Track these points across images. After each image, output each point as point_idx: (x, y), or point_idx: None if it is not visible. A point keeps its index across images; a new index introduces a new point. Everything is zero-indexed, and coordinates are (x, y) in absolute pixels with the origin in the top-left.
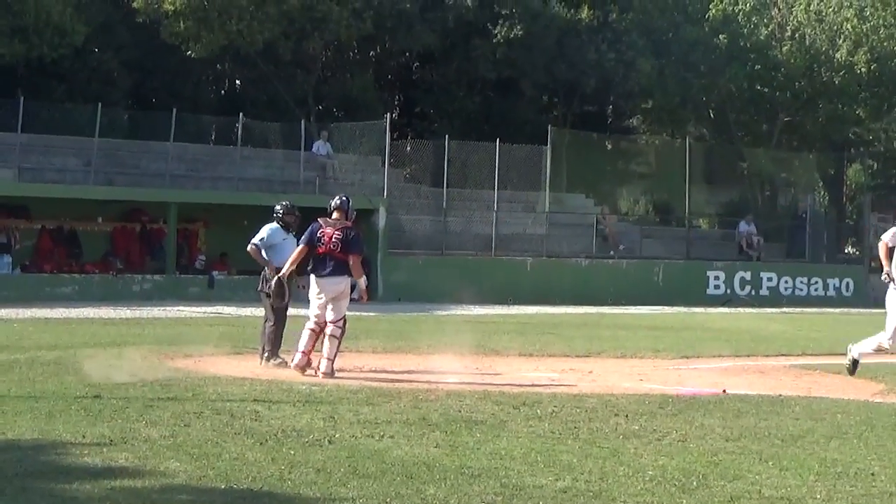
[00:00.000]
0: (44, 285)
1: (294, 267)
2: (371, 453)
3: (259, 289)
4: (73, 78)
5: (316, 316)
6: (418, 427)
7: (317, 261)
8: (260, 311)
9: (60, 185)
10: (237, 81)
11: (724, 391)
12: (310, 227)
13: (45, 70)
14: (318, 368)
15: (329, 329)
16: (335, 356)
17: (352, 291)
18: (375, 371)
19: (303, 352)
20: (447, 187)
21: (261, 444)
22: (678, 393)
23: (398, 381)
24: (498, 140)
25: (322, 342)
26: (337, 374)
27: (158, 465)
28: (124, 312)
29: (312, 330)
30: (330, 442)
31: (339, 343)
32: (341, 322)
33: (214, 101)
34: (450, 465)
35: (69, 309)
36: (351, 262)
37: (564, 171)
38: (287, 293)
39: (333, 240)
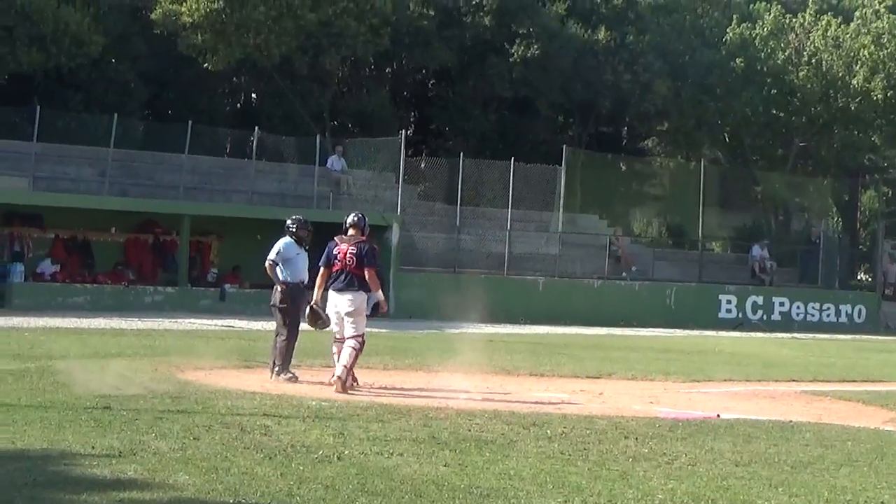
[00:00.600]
0: (56, 295)
1: (321, 292)
2: (380, 471)
3: (272, 303)
4: (89, 88)
5: (338, 333)
6: (428, 445)
7: (333, 277)
8: (271, 325)
9: (74, 194)
10: (253, 95)
11: (718, 416)
12: (326, 248)
13: (62, 79)
14: (334, 373)
15: (349, 341)
16: (352, 365)
17: (371, 308)
18: (386, 388)
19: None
20: (461, 205)
21: (270, 458)
22: (668, 416)
23: (408, 398)
24: (512, 159)
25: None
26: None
27: (167, 478)
28: (136, 324)
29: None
30: (339, 458)
31: (357, 355)
32: (361, 338)
33: (230, 114)
34: (459, 484)
35: (81, 319)
36: (367, 276)
37: (578, 192)
38: (323, 317)
39: (348, 255)
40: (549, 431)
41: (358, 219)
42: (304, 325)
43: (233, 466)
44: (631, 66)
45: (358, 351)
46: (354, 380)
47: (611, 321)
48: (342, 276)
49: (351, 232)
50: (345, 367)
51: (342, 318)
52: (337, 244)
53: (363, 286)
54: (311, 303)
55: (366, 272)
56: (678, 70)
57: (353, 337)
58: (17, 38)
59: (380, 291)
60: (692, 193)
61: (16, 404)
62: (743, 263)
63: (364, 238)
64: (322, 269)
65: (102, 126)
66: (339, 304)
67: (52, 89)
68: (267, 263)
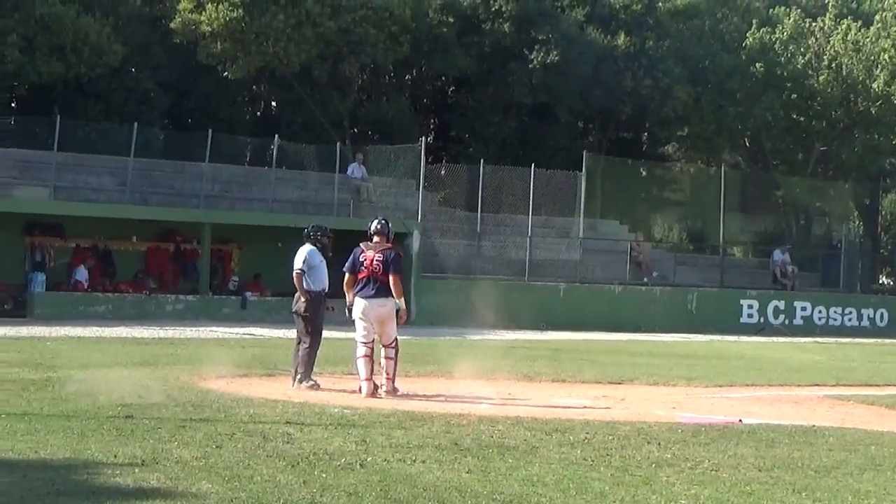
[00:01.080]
0: (77, 304)
1: (353, 295)
2: (403, 478)
3: (293, 310)
4: (109, 97)
5: (363, 337)
6: (450, 452)
7: (361, 284)
8: (292, 333)
9: (95, 203)
10: (273, 103)
11: (741, 421)
12: (352, 254)
13: (82, 89)
14: (381, 388)
15: (383, 352)
16: (395, 374)
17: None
18: (408, 395)
19: (366, 379)
20: (481, 212)
21: (292, 466)
22: (690, 421)
23: (430, 405)
24: (533, 165)
25: (378, 364)
26: (377, 396)
27: (190, 487)
28: (157, 332)
29: (366, 356)
30: (362, 465)
31: (396, 362)
32: (394, 343)
33: (250, 122)
34: (481, 491)
35: (102, 328)
36: (391, 282)
37: (599, 198)
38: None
39: (375, 262)
40: (571, 437)
41: (381, 225)
42: (325, 333)
43: (255, 474)
44: (651, 71)
45: (396, 357)
46: (377, 387)
47: (632, 326)
48: (370, 284)
49: (376, 239)
50: (389, 379)
51: (371, 325)
52: (363, 251)
53: (391, 293)
54: (348, 305)
55: (390, 278)
56: (698, 75)
57: (387, 346)
58: (38, 49)
59: (402, 299)
60: (713, 198)
61: (38, 413)
62: (764, 268)
63: (390, 245)
64: (348, 275)
65: (123, 135)
66: (369, 311)
67: (72, 99)
68: (295, 273)
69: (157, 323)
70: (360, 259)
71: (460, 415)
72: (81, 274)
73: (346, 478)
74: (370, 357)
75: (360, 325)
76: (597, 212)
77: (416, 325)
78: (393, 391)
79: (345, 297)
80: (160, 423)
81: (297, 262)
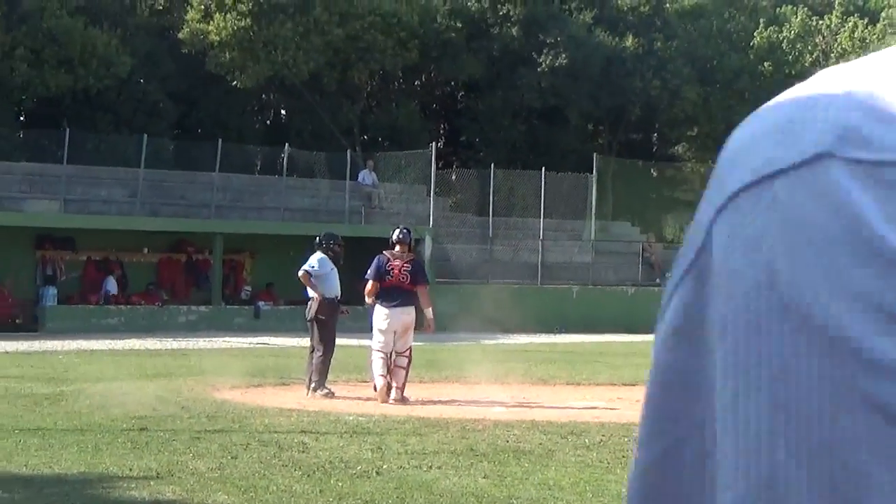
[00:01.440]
0: (89, 317)
1: (374, 302)
2: (419, 484)
3: (309, 318)
4: (118, 109)
5: (381, 348)
6: (466, 457)
7: (385, 292)
8: (306, 342)
9: (106, 216)
10: (282, 111)
11: None
12: (376, 261)
13: (91, 101)
14: (388, 394)
15: (396, 360)
16: (404, 384)
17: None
18: (422, 401)
19: (381, 375)
20: (493, 216)
21: (308, 475)
22: None
23: (445, 410)
24: (543, 168)
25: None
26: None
27: (206, 499)
28: (170, 343)
29: (382, 358)
30: (378, 473)
31: (408, 371)
32: (408, 352)
33: (260, 131)
34: (498, 496)
35: (115, 340)
36: (421, 293)
37: (610, 199)
38: None
39: (402, 272)
40: (587, 440)
41: (403, 235)
42: (339, 341)
43: (271, 485)
44: (659, 72)
45: (407, 367)
46: (391, 386)
47: (645, 328)
48: (396, 293)
49: (398, 248)
50: (399, 388)
51: (391, 335)
52: (389, 259)
53: (414, 302)
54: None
55: (420, 288)
56: (706, 75)
57: (400, 353)
58: (45, 61)
59: (430, 309)
60: None
61: (52, 428)
62: None
63: (413, 254)
64: (372, 282)
65: (132, 146)
66: (393, 319)
67: (81, 111)
68: (301, 273)
69: (169, 334)
70: (387, 268)
71: (475, 420)
72: (112, 285)
73: (363, 486)
74: (385, 361)
75: (379, 335)
76: (608, 214)
77: None
78: (402, 400)
79: (358, 304)
80: (175, 435)
81: (306, 265)
